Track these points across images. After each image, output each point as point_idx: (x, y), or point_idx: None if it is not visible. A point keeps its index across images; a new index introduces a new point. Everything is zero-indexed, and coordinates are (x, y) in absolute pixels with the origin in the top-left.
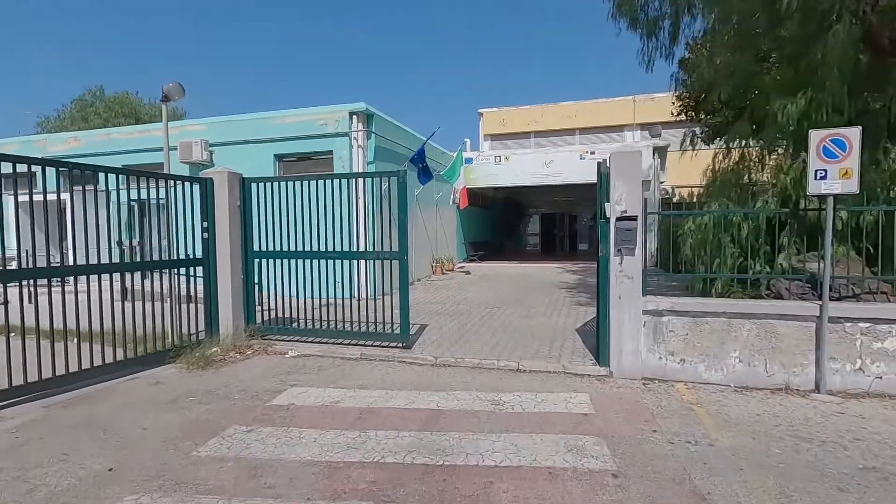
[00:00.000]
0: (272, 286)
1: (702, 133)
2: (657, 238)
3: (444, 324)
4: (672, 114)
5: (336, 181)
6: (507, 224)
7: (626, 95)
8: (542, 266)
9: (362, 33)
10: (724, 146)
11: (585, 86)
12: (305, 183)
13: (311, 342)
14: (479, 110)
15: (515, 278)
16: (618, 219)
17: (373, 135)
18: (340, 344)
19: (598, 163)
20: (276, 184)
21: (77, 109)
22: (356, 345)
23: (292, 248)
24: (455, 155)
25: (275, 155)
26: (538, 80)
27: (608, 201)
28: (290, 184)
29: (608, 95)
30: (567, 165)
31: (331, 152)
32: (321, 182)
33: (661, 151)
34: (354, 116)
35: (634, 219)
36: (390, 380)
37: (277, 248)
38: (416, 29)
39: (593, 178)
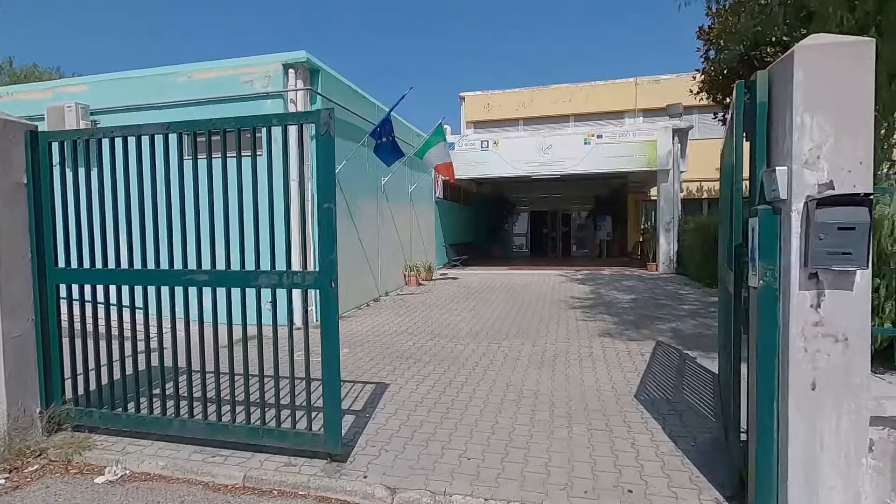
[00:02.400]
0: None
1: (723, 117)
2: (676, 241)
3: (414, 384)
4: (691, 91)
5: (216, 131)
6: (494, 223)
7: (627, 77)
8: (538, 273)
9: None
10: None
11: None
12: (155, 139)
13: (164, 440)
14: (461, 94)
15: (509, 290)
16: (819, 201)
17: (318, 97)
18: (219, 445)
19: (746, 82)
20: (99, 142)
21: None
22: (247, 447)
23: (130, 266)
24: (433, 130)
25: (207, 132)
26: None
27: (779, 162)
28: (125, 140)
29: (605, 76)
30: (569, 151)
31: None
32: (175, 137)
33: (681, 135)
34: (291, 70)
35: (863, 201)
36: None
37: (103, 264)
38: None
39: (601, 167)
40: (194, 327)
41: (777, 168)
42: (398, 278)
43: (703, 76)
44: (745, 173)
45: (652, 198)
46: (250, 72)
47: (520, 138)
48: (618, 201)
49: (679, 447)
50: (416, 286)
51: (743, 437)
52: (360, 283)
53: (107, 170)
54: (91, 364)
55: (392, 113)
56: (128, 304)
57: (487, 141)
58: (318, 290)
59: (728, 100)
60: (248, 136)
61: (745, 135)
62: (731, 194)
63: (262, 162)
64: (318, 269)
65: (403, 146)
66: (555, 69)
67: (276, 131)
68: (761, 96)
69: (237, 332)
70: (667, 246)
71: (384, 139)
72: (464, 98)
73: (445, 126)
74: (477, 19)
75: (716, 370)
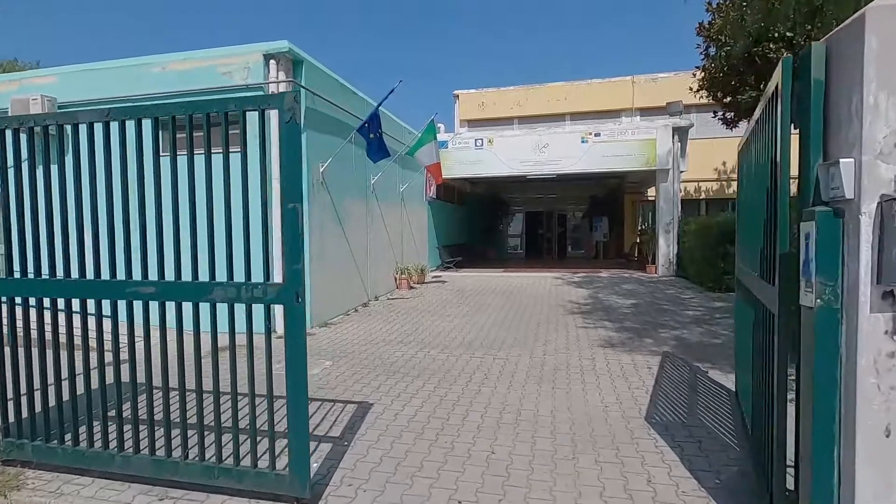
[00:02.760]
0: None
1: (723, 116)
2: (676, 243)
3: (400, 403)
4: (690, 90)
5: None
6: (488, 224)
7: (624, 76)
8: (534, 275)
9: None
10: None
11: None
12: (95, 127)
13: (107, 478)
14: (455, 91)
15: (505, 294)
16: None
17: (302, 91)
18: (168, 484)
19: (793, 58)
20: (31, 132)
21: None
22: (203, 488)
23: (67, 276)
24: (425, 127)
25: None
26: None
27: (841, 153)
28: (61, 130)
29: (604, 76)
30: (565, 150)
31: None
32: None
33: (682, 133)
34: (272, 61)
35: None
36: None
37: (34, 272)
38: None
39: (599, 167)
40: (145, 344)
41: (841, 160)
42: (389, 281)
43: (703, 73)
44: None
45: (649, 198)
46: (229, 62)
47: (515, 137)
48: (614, 202)
49: (703, 486)
50: (408, 290)
51: (790, 485)
52: (347, 288)
53: (44, 163)
54: (23, 388)
55: (381, 108)
56: (63, 318)
57: (482, 139)
58: (283, 304)
59: (728, 98)
60: (219, 126)
61: (782, 110)
62: (772, 194)
63: (233, 158)
64: (282, 281)
65: (394, 144)
66: (552, 69)
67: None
68: (817, 73)
69: (206, 347)
70: (666, 248)
71: (372, 136)
72: (458, 96)
73: (438, 125)
74: (476, 19)
75: (730, 386)
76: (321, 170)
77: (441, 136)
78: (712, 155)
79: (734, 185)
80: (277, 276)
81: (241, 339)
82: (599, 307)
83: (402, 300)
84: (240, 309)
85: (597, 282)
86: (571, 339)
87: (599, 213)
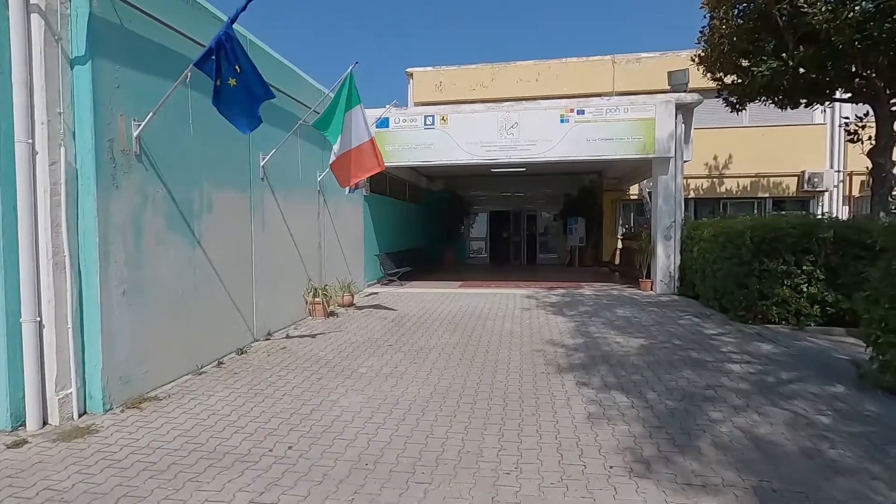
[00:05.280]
0: None
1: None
2: (677, 251)
3: None
4: (693, 60)
5: None
6: (446, 226)
7: (603, 55)
8: (499, 292)
9: None
10: None
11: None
12: None
13: None
14: (409, 69)
15: (458, 326)
16: None
17: None
18: None
19: None
20: None
21: None
22: None
23: None
24: (340, 82)
25: None
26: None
27: None
28: None
29: (581, 54)
30: (541, 131)
31: None
32: None
33: (686, 113)
34: None
35: None
36: None
37: None
38: None
39: (583, 153)
40: None
41: None
42: (295, 307)
43: (706, 45)
44: None
45: (632, 197)
46: None
47: (476, 114)
48: (592, 201)
49: None
50: (325, 318)
51: None
52: (204, 327)
53: None
54: None
55: (237, 26)
56: None
57: (433, 116)
58: None
59: (732, 78)
60: None
61: None
62: None
63: None
64: None
65: (295, 108)
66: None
67: None
68: None
69: None
70: (666, 258)
71: (233, 80)
72: (412, 75)
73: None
74: None
75: None
76: (136, 131)
77: (382, 113)
78: (701, 148)
79: (727, 182)
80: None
81: None
82: (596, 354)
83: (306, 339)
84: None
85: (580, 303)
86: (567, 454)
87: (574, 214)
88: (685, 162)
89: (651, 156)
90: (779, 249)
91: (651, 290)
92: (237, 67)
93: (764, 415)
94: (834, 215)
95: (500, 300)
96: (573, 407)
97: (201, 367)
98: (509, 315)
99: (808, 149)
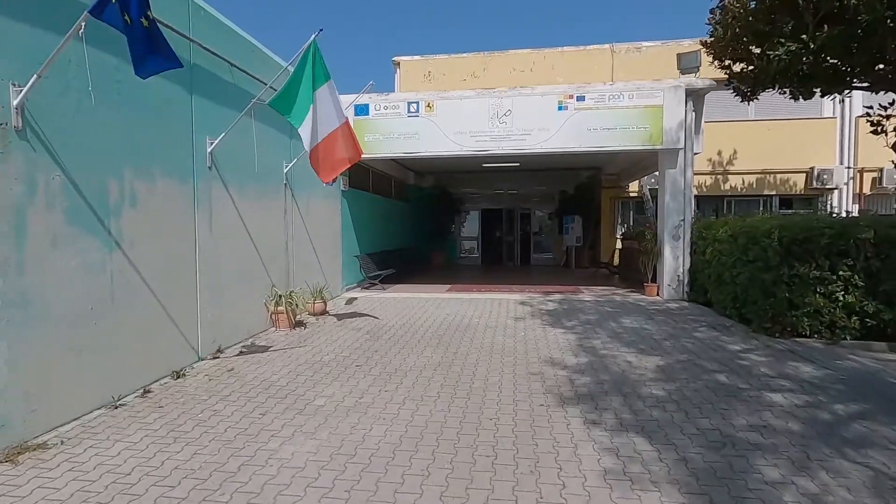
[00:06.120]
0: None
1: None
2: (687, 253)
3: None
4: (703, 44)
5: None
6: (436, 224)
7: (601, 44)
8: (490, 297)
9: None
10: None
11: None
12: None
13: None
14: (395, 58)
15: (442, 341)
16: None
17: None
18: None
19: None
20: None
21: None
22: None
23: None
24: (301, 53)
25: None
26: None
27: None
28: None
29: (578, 43)
30: (536, 120)
31: None
32: None
33: (697, 100)
34: None
35: None
36: None
37: None
38: None
39: (583, 144)
40: None
41: None
42: (256, 317)
43: (718, 26)
44: None
45: (631, 194)
46: None
47: (465, 100)
48: (589, 198)
49: None
50: (289, 329)
51: None
52: (128, 345)
53: None
54: None
55: None
56: None
57: (418, 102)
58: None
59: (742, 66)
60: None
61: None
62: None
63: None
64: None
65: (255, 87)
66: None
67: None
68: None
69: None
70: (674, 260)
71: (127, 18)
72: (398, 64)
73: (319, 30)
74: None
75: None
76: (15, 99)
77: (360, 98)
78: (704, 142)
79: (732, 179)
80: None
81: None
82: (605, 379)
83: (261, 357)
84: None
85: (580, 311)
86: None
87: (571, 212)
88: (695, 154)
89: (658, 147)
90: (811, 252)
91: (657, 295)
92: (145, 16)
93: (834, 473)
94: (842, 214)
95: (491, 307)
96: (583, 460)
97: (119, 399)
98: (501, 325)
99: (817, 144)
